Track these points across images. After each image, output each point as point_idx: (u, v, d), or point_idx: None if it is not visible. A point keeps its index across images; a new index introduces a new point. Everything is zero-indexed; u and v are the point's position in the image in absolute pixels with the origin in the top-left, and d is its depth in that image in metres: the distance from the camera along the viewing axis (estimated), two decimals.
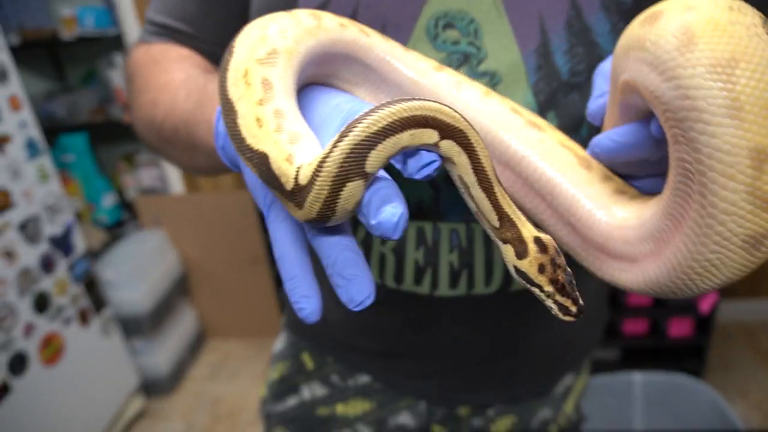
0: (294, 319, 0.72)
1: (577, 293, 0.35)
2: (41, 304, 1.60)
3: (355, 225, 0.55)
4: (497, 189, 0.33)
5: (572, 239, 0.38)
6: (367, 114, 0.28)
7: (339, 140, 0.27)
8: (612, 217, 0.35)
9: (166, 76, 0.53)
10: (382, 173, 0.30)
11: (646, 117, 0.33)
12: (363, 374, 0.67)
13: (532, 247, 0.34)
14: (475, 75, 0.46)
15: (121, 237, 2.28)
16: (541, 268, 0.34)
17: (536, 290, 0.35)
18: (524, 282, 0.35)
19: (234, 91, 0.32)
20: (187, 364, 2.29)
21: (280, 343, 0.75)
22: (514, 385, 0.65)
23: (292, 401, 0.71)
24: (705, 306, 1.77)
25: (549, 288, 0.34)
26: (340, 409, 0.68)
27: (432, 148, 0.30)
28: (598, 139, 0.33)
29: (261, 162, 0.30)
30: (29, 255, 1.57)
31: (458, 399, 0.65)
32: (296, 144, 0.30)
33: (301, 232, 0.33)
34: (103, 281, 1.93)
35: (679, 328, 1.86)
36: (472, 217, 0.51)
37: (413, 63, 0.40)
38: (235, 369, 2.29)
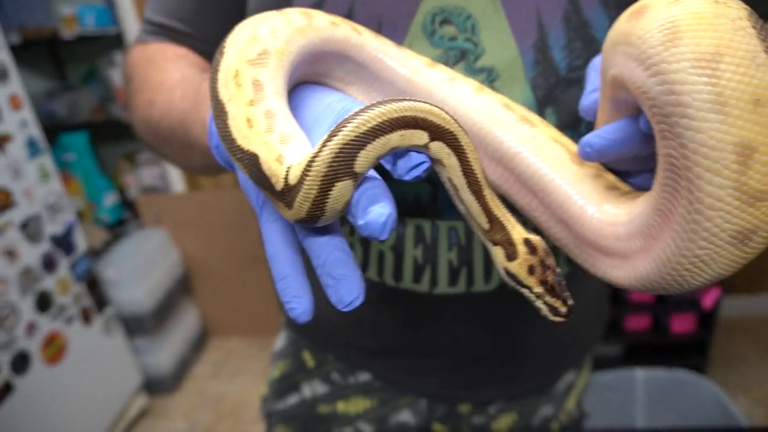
0: None
1: (567, 293, 0.35)
2: (43, 303, 1.60)
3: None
4: (486, 191, 0.33)
5: (565, 236, 0.38)
6: (357, 114, 0.27)
7: (328, 140, 0.27)
8: (604, 214, 0.35)
9: (163, 76, 0.53)
10: (372, 173, 0.30)
11: (636, 112, 0.32)
12: (363, 372, 0.67)
13: (521, 248, 0.34)
14: (473, 71, 0.46)
15: (123, 236, 2.28)
16: (531, 270, 0.34)
17: (526, 291, 0.35)
18: (514, 283, 0.35)
19: (225, 92, 0.32)
20: (189, 363, 2.29)
21: (280, 341, 0.75)
22: (515, 382, 0.65)
23: (293, 399, 0.71)
24: (707, 302, 1.77)
25: (538, 289, 0.34)
26: (341, 407, 0.68)
27: (422, 149, 0.30)
28: (588, 138, 0.33)
29: (251, 162, 0.30)
30: (31, 254, 1.57)
31: (459, 396, 0.65)
32: (287, 144, 0.30)
33: (292, 233, 0.33)
34: (105, 280, 1.94)
35: (681, 324, 1.86)
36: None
37: (406, 60, 0.39)
38: (237, 367, 2.30)
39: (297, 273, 0.32)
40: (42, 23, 2.18)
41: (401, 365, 0.64)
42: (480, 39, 0.45)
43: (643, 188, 0.38)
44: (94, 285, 1.82)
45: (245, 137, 0.30)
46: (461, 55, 0.46)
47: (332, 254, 0.30)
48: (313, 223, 0.29)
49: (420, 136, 0.29)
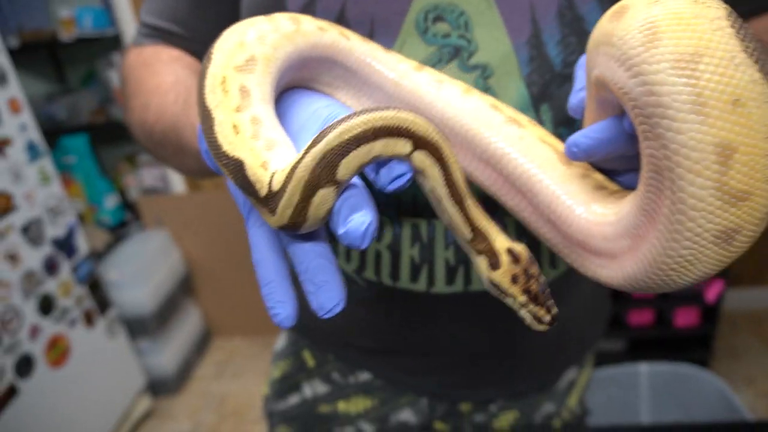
0: None
1: (551, 302, 0.35)
2: (46, 306, 1.60)
3: None
4: (469, 202, 0.33)
5: (554, 236, 0.38)
6: (340, 121, 0.27)
7: (312, 146, 0.27)
8: (591, 214, 0.35)
9: (157, 79, 0.53)
10: (356, 180, 0.30)
11: (621, 112, 0.32)
12: (363, 371, 0.67)
13: (505, 258, 0.34)
14: (467, 68, 0.45)
15: (125, 238, 2.29)
16: (514, 279, 0.34)
17: (509, 300, 0.35)
18: (497, 293, 0.35)
19: (212, 99, 0.32)
20: (192, 364, 2.30)
21: (281, 341, 0.75)
22: (515, 381, 0.65)
23: (293, 399, 0.71)
24: (711, 295, 1.77)
25: (522, 298, 0.35)
26: (342, 406, 0.68)
27: (405, 158, 0.30)
28: (574, 138, 0.33)
29: (236, 168, 0.30)
30: (32, 257, 1.57)
31: (459, 395, 0.65)
32: (272, 151, 0.30)
33: (278, 238, 0.33)
34: (108, 282, 1.94)
35: (685, 317, 1.85)
36: None
37: (393, 64, 0.39)
38: (240, 367, 2.30)
39: (282, 279, 0.32)
40: (40, 26, 2.18)
41: (400, 364, 0.64)
42: (473, 36, 0.45)
43: (631, 187, 0.37)
44: (96, 287, 1.82)
45: (231, 143, 0.30)
46: (455, 53, 0.45)
47: (314, 261, 0.30)
48: (296, 230, 0.29)
49: (403, 146, 0.29)
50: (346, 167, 0.28)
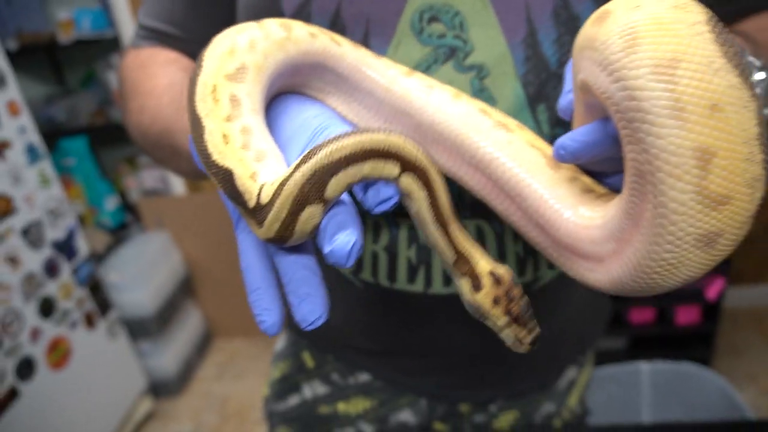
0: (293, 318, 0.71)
1: (533, 323, 0.35)
2: (46, 308, 1.60)
3: None
4: (452, 226, 0.34)
5: (543, 240, 0.38)
6: (332, 140, 0.28)
7: (302, 163, 0.28)
8: (579, 217, 0.36)
9: (153, 81, 0.53)
10: (344, 196, 0.31)
11: (608, 115, 0.32)
12: (363, 372, 0.66)
13: (486, 281, 0.35)
14: (463, 68, 0.45)
15: (125, 239, 2.29)
16: (496, 301, 0.35)
17: (490, 322, 0.36)
18: (478, 315, 0.36)
19: (202, 107, 0.32)
20: (194, 365, 2.30)
21: (280, 342, 0.75)
22: (514, 381, 0.65)
23: (293, 400, 0.71)
24: (712, 293, 1.76)
25: (503, 319, 0.35)
26: (342, 407, 0.68)
27: (392, 181, 0.31)
28: (562, 140, 0.33)
29: (226, 178, 0.30)
30: (33, 260, 1.57)
31: (458, 396, 0.65)
32: (261, 162, 0.30)
33: (266, 246, 0.33)
34: (108, 284, 1.94)
35: (686, 315, 1.85)
36: (464, 213, 0.50)
37: (383, 70, 0.40)
38: (242, 368, 2.30)
39: (268, 286, 0.32)
40: (39, 28, 2.18)
41: (398, 365, 0.64)
42: (469, 36, 0.45)
43: (619, 189, 0.38)
44: (96, 289, 1.82)
45: (221, 153, 0.31)
46: (450, 53, 0.45)
47: (298, 273, 0.31)
48: (282, 243, 0.29)
49: (391, 168, 0.30)
50: (334, 186, 0.28)
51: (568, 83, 0.37)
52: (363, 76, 0.39)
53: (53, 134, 2.25)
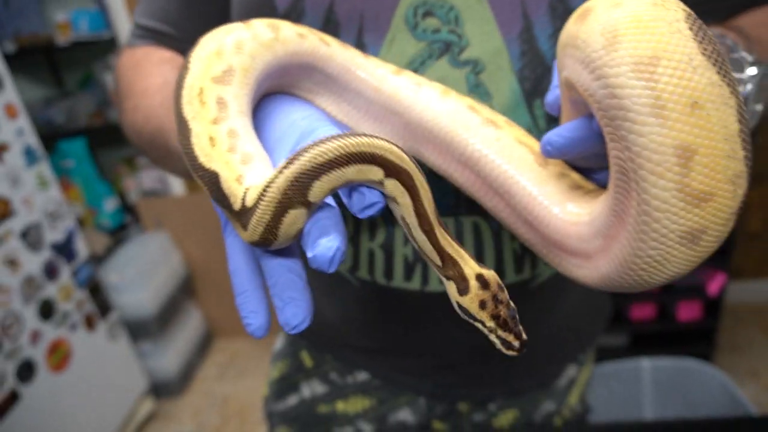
0: None
1: (520, 328, 0.36)
2: (46, 310, 1.60)
3: (347, 222, 0.55)
4: (438, 231, 0.34)
5: (532, 236, 0.38)
6: (316, 143, 0.28)
7: (285, 166, 0.28)
8: (567, 214, 0.36)
9: (147, 81, 0.53)
10: (329, 200, 0.31)
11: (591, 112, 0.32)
12: (361, 371, 0.66)
13: (473, 284, 0.35)
14: (458, 63, 0.45)
15: (125, 240, 2.29)
16: (482, 304, 0.35)
17: (479, 325, 0.36)
18: (466, 317, 0.36)
19: (189, 110, 0.32)
20: (195, 365, 2.30)
21: (279, 341, 0.75)
22: (512, 379, 0.65)
23: (292, 400, 0.70)
24: (713, 288, 1.76)
25: (490, 323, 0.35)
26: (341, 406, 0.68)
27: (376, 185, 0.30)
28: (548, 136, 0.33)
29: (212, 181, 0.30)
30: (32, 262, 1.57)
31: (456, 395, 0.65)
32: (248, 165, 0.30)
33: (253, 249, 0.33)
34: (108, 285, 1.94)
35: (687, 311, 1.84)
36: (460, 210, 0.50)
37: (373, 70, 0.40)
38: (242, 368, 2.30)
39: (255, 289, 0.32)
40: (36, 30, 2.18)
41: (396, 364, 0.64)
42: (464, 31, 0.45)
43: (606, 185, 0.37)
44: (96, 291, 1.82)
45: (207, 155, 0.31)
46: (445, 48, 0.45)
47: (283, 276, 0.31)
48: (267, 246, 0.29)
49: (375, 173, 0.30)
50: (317, 190, 0.28)
51: (555, 79, 0.37)
52: (352, 76, 0.39)
53: (52, 136, 2.24)
